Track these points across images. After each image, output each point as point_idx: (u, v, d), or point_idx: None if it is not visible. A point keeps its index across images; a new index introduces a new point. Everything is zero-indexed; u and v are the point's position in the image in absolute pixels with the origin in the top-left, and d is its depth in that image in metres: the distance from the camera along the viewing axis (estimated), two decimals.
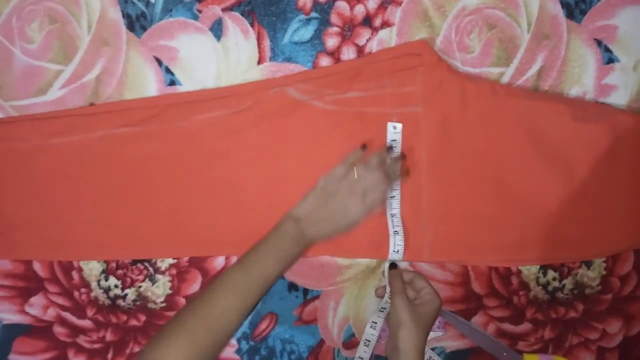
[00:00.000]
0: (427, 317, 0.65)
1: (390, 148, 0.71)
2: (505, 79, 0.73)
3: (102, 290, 0.75)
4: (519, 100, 0.72)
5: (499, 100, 0.72)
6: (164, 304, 0.75)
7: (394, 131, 0.71)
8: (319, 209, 0.67)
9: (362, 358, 0.72)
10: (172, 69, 0.72)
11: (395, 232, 0.72)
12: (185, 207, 0.73)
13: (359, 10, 0.72)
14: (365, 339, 0.72)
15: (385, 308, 0.72)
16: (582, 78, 0.74)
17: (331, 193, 0.68)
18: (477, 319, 0.75)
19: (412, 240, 0.73)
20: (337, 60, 0.73)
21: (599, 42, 0.73)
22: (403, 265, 0.74)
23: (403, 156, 0.71)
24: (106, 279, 0.75)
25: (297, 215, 0.67)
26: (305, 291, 0.75)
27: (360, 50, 0.73)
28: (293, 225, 0.66)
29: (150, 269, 0.75)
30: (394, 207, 0.72)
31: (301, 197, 0.71)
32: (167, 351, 0.53)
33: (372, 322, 0.72)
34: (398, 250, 0.72)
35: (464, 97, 0.71)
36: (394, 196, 0.72)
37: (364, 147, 0.71)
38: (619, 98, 0.74)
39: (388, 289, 0.72)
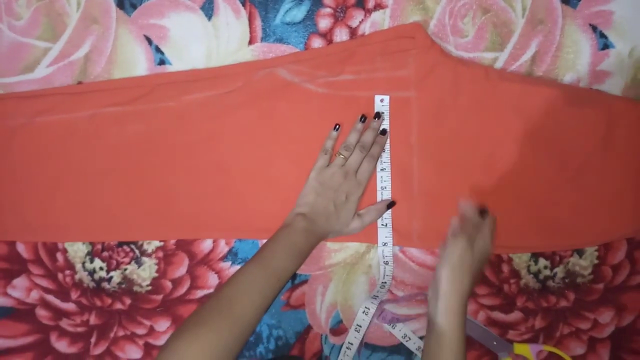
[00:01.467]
0: (477, 265, 0.62)
1: (378, 115, 0.71)
2: (498, 64, 0.72)
3: (86, 273, 0.74)
4: (513, 85, 0.71)
5: (493, 85, 0.71)
6: (149, 287, 0.74)
7: (382, 104, 0.71)
8: (319, 202, 0.67)
9: (352, 344, 0.71)
10: (162, 48, 0.71)
11: (384, 225, 0.71)
12: (172, 189, 0.72)
13: None
14: (357, 324, 0.71)
15: (377, 296, 0.71)
16: (577, 64, 0.73)
17: (325, 183, 0.68)
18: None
19: (401, 224, 0.72)
20: (330, 42, 0.72)
21: (594, 28, 0.72)
22: (395, 250, 0.73)
23: (384, 132, 0.71)
24: (91, 261, 0.74)
25: (305, 211, 0.67)
26: (294, 275, 0.74)
27: (353, 32, 0.72)
28: (302, 219, 0.66)
29: (137, 252, 0.74)
30: (385, 179, 0.71)
31: (291, 181, 0.70)
32: (191, 345, 0.52)
33: (365, 307, 0.71)
34: (386, 243, 0.71)
35: (457, 81, 0.71)
36: (384, 169, 0.71)
37: (336, 127, 0.70)
38: (614, 85, 0.73)
39: (380, 278, 0.71)
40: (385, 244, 0.71)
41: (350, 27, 0.72)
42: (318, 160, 0.69)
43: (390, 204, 0.71)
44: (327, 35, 0.72)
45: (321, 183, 0.68)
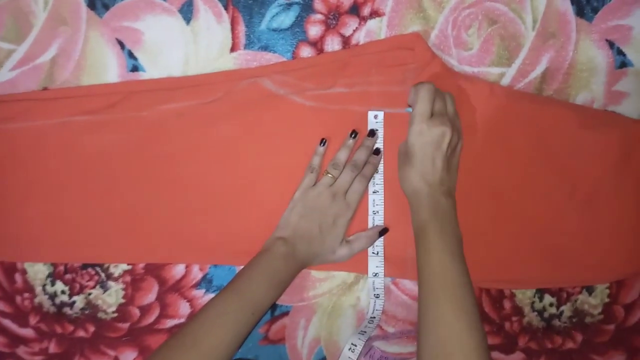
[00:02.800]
0: (411, 154, 0.59)
1: (372, 133, 0.65)
2: (505, 81, 0.66)
3: (47, 296, 0.67)
4: (520, 104, 0.65)
5: (498, 104, 0.65)
6: (115, 314, 0.67)
7: (375, 121, 0.65)
8: (303, 224, 0.61)
9: None
10: (136, 54, 0.65)
11: (375, 253, 0.65)
12: (143, 207, 0.65)
13: None
14: None
15: (365, 332, 0.64)
16: (591, 83, 0.67)
17: (310, 204, 0.62)
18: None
19: (394, 253, 0.66)
20: (320, 51, 0.66)
21: (611, 44, 0.66)
22: (387, 281, 0.66)
23: (378, 151, 0.65)
24: (52, 284, 0.67)
25: (286, 235, 0.61)
26: (274, 306, 0.67)
27: (345, 41, 0.65)
28: (282, 244, 0.60)
29: (102, 275, 0.67)
30: (377, 203, 0.65)
31: (275, 201, 0.64)
32: None
33: (352, 344, 0.64)
34: (377, 274, 0.65)
35: (459, 99, 0.64)
36: (377, 191, 0.65)
37: (322, 142, 0.64)
38: (631, 107, 0.67)
39: (369, 312, 0.64)
40: (376, 275, 0.65)
41: (343, 36, 0.65)
42: (304, 179, 0.63)
43: (383, 231, 0.64)
44: (317, 44, 0.65)
45: (306, 204, 0.62)
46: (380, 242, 0.65)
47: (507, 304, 0.69)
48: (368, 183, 0.64)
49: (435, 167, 0.58)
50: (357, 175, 0.63)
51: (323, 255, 0.62)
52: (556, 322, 0.69)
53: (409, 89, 0.64)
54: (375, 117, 0.65)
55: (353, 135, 0.64)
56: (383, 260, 0.65)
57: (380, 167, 0.65)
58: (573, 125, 0.65)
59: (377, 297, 0.65)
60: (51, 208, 0.65)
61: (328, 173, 0.62)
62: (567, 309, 0.69)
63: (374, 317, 0.65)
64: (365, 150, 0.64)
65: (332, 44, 0.65)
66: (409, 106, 0.61)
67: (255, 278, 0.57)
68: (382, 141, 0.65)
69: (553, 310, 0.69)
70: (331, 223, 0.61)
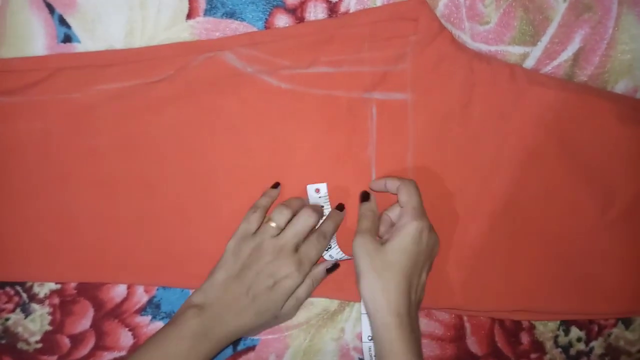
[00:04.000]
0: (396, 262, 0.46)
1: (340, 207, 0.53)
2: (529, 63, 0.55)
3: None
4: (547, 91, 0.53)
5: (519, 90, 0.53)
6: (39, 345, 0.55)
7: (317, 195, 0.53)
8: (231, 288, 0.47)
9: None
10: (68, 20, 0.53)
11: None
12: (73, 212, 0.53)
13: None
14: None
15: None
16: (635, 68, 0.56)
17: (244, 259, 0.48)
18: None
19: None
20: (300, 20, 0.54)
21: None
22: None
23: (342, 207, 0.53)
24: None
25: (202, 301, 0.47)
26: (236, 340, 0.55)
27: (332, 8, 0.54)
28: (195, 316, 0.46)
29: (24, 296, 0.56)
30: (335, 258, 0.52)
31: (237, 209, 0.52)
32: None
33: None
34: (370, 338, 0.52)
35: (472, 83, 0.53)
36: (331, 247, 0.52)
37: (276, 185, 0.52)
38: None
39: (365, 334, 0.51)
40: (371, 339, 0.51)
41: (329, 2, 0.54)
42: (241, 224, 0.50)
43: (332, 268, 0.52)
44: (296, 12, 0.53)
45: (234, 254, 0.48)
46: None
47: (525, 338, 0.58)
48: (326, 243, 0.50)
49: (422, 281, 0.48)
50: (315, 231, 0.50)
51: (256, 326, 0.48)
52: None
53: (409, 66, 0.52)
54: (317, 191, 0.53)
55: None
56: None
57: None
58: (611, 120, 0.54)
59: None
60: None
61: (270, 221, 0.49)
62: (598, 345, 0.59)
63: None
64: (328, 218, 0.52)
65: (315, 12, 0.54)
66: (364, 196, 0.52)
67: None
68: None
69: (581, 346, 0.59)
70: (269, 287, 0.47)
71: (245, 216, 0.49)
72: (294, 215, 0.49)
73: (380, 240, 0.49)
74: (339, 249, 0.52)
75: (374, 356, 0.49)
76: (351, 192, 0.53)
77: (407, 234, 0.46)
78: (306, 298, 0.51)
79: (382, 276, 0.45)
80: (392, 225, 0.50)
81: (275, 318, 0.49)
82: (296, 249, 0.48)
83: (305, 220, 0.49)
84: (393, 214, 0.50)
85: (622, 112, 0.54)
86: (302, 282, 0.48)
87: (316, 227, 0.50)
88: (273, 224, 0.48)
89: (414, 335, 0.45)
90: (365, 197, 0.51)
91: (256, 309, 0.47)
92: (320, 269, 0.51)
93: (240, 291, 0.47)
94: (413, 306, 0.46)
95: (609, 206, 0.54)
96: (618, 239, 0.55)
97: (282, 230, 0.49)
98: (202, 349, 0.45)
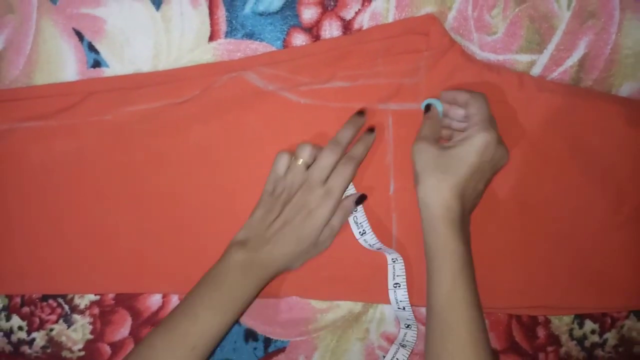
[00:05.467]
0: (455, 168, 0.47)
1: (361, 113, 0.54)
2: (536, 70, 0.57)
3: (1, 334, 0.58)
4: (555, 97, 0.55)
5: (528, 98, 0.55)
6: (82, 353, 0.58)
7: None
8: (271, 221, 0.50)
9: None
10: (97, 46, 0.55)
11: (394, 260, 0.55)
12: (109, 226, 0.56)
13: None
14: None
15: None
16: (638, 70, 0.57)
17: (282, 195, 0.51)
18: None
19: (410, 278, 0.55)
20: (316, 38, 0.55)
21: None
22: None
23: (372, 129, 0.54)
24: (8, 319, 0.58)
25: (244, 237, 0.50)
26: (267, 341, 0.58)
27: (346, 26, 0.55)
28: (240, 250, 0.49)
29: (66, 307, 0.58)
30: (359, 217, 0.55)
31: None
32: None
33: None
34: (404, 308, 0.54)
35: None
36: (365, 232, 0.54)
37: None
38: None
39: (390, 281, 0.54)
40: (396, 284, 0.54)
41: (343, 20, 0.55)
42: (272, 168, 0.52)
43: (360, 199, 0.53)
44: (312, 30, 0.55)
45: (270, 192, 0.51)
46: (401, 272, 0.54)
47: (541, 332, 0.60)
48: (356, 167, 0.52)
49: (477, 190, 0.48)
50: (343, 157, 0.52)
51: (299, 256, 0.51)
52: (599, 352, 0.60)
53: (423, 79, 0.54)
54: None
55: (358, 114, 0.54)
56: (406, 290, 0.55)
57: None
58: (618, 122, 0.56)
59: (408, 327, 0.55)
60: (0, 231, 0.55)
61: (297, 159, 0.51)
62: (611, 337, 0.60)
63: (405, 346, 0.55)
64: (351, 127, 0.53)
65: (331, 30, 0.55)
66: (428, 104, 0.51)
67: (195, 301, 0.47)
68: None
69: (595, 338, 0.60)
70: (304, 216, 0.50)
71: (274, 160, 0.52)
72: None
73: (444, 145, 0.50)
74: (373, 234, 0.54)
75: (399, 301, 0.53)
76: (371, 199, 0.55)
77: (472, 144, 0.47)
78: (339, 227, 0.53)
79: (437, 178, 0.47)
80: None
81: (314, 246, 0.51)
82: (325, 180, 0.50)
83: (328, 154, 0.50)
84: (460, 125, 0.52)
85: (628, 115, 0.55)
86: (334, 210, 0.50)
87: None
88: (300, 161, 0.51)
89: (464, 234, 0.47)
90: (428, 108, 0.53)
91: (296, 236, 0.49)
92: (349, 200, 0.53)
93: (278, 223, 0.49)
94: (466, 211, 0.48)
95: (620, 205, 0.56)
96: (629, 236, 0.56)
97: (309, 166, 0.51)
98: (251, 278, 0.48)
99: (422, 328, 0.57)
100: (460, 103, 0.51)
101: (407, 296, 0.54)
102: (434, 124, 0.51)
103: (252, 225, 0.51)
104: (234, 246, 0.49)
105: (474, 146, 0.47)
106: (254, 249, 0.49)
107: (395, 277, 0.54)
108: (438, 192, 0.46)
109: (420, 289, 0.53)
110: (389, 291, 0.55)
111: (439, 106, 0.53)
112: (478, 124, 0.48)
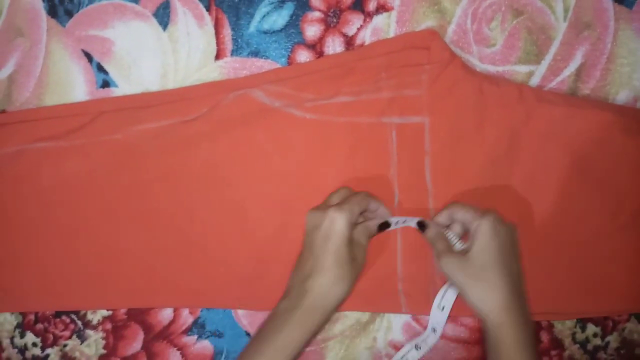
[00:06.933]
0: (487, 261, 0.47)
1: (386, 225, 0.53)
2: (535, 80, 0.58)
3: (16, 350, 0.60)
4: (553, 107, 0.56)
5: (528, 109, 0.56)
6: None
7: None
8: (304, 263, 0.49)
9: None
10: (106, 67, 0.57)
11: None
12: (120, 243, 0.57)
13: None
14: None
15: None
16: (634, 79, 0.58)
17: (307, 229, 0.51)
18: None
19: (416, 287, 0.57)
20: (320, 54, 0.57)
21: None
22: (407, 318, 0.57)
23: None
24: (22, 336, 0.59)
25: (304, 273, 0.48)
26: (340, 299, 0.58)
27: (349, 41, 0.57)
28: (282, 298, 0.48)
29: (79, 323, 0.59)
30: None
31: (270, 233, 0.56)
32: None
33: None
34: (443, 308, 0.55)
35: (483, 103, 0.56)
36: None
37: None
38: None
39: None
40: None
41: (345, 36, 0.57)
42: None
43: (383, 225, 0.53)
44: (316, 47, 0.57)
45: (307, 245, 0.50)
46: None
47: (544, 336, 0.61)
48: (366, 203, 0.52)
49: (518, 272, 0.49)
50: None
51: (346, 278, 0.48)
52: (602, 355, 0.61)
53: (425, 92, 0.55)
54: None
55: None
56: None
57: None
58: (615, 130, 0.57)
59: (434, 331, 0.55)
60: (11, 249, 0.57)
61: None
62: (613, 340, 0.61)
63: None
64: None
65: (334, 46, 0.57)
66: (421, 225, 0.52)
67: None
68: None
69: (597, 341, 0.61)
70: (323, 239, 0.48)
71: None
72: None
73: (460, 252, 0.50)
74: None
75: (445, 299, 0.54)
76: None
77: (483, 233, 0.47)
78: (367, 242, 0.51)
79: (482, 279, 0.47)
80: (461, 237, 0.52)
81: (353, 261, 0.49)
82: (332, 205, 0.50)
83: (353, 203, 0.50)
84: (457, 229, 0.52)
85: (625, 124, 0.56)
86: (349, 221, 0.48)
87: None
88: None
89: (527, 329, 0.46)
90: (422, 225, 0.52)
91: (330, 260, 0.47)
92: (373, 222, 0.52)
93: (310, 259, 0.48)
94: (522, 296, 0.48)
95: (619, 212, 0.57)
96: (627, 241, 0.57)
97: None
98: (298, 323, 0.46)
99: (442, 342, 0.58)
100: (444, 222, 0.52)
101: (454, 300, 0.54)
102: (440, 237, 0.51)
103: (307, 258, 0.49)
104: (299, 282, 0.48)
105: (486, 233, 0.47)
106: (295, 290, 0.48)
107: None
108: (489, 294, 0.47)
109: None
110: (443, 286, 0.54)
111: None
112: (473, 219, 0.49)
